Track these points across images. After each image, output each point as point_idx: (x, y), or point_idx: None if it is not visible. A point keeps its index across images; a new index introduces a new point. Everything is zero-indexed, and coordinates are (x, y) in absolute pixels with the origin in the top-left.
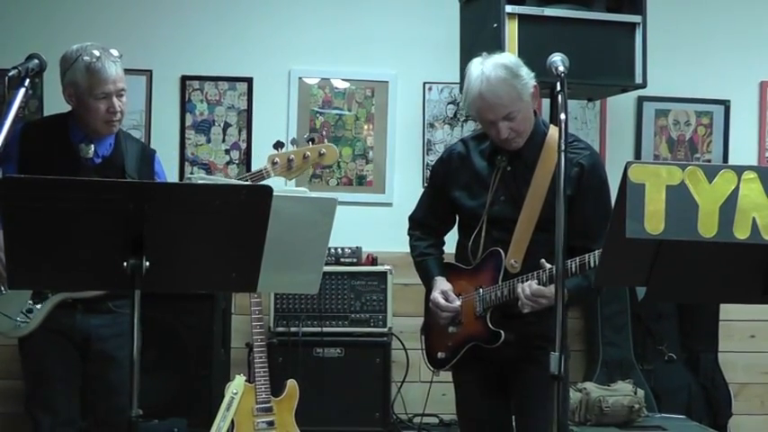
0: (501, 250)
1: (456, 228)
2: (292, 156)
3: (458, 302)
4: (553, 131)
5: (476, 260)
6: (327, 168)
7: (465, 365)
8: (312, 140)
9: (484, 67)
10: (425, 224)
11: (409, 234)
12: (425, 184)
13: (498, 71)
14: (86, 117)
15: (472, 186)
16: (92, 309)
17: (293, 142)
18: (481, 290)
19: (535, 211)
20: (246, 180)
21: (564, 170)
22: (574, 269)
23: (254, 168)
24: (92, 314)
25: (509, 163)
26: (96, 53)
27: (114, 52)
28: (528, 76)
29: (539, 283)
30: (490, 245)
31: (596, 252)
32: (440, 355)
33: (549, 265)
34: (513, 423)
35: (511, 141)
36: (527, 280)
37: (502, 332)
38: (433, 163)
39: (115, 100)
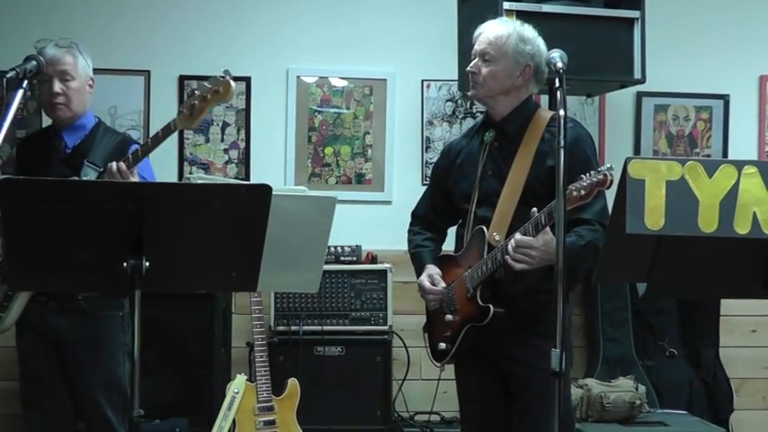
0: (483, 227)
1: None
2: (194, 101)
3: (443, 285)
4: (542, 111)
5: (465, 244)
6: (360, 155)
7: (466, 362)
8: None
9: (517, 21)
10: (426, 219)
11: (409, 230)
12: (426, 181)
13: (515, 25)
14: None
15: (463, 170)
16: (63, 308)
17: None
18: (469, 270)
19: (519, 184)
20: (157, 136)
21: (549, 146)
22: (543, 220)
23: (253, 166)
24: (63, 314)
25: (495, 138)
26: (46, 43)
27: (64, 41)
28: (531, 52)
29: (536, 229)
30: (477, 224)
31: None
32: (441, 346)
33: (536, 213)
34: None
35: (472, 81)
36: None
37: (490, 306)
38: (432, 160)
39: (56, 82)
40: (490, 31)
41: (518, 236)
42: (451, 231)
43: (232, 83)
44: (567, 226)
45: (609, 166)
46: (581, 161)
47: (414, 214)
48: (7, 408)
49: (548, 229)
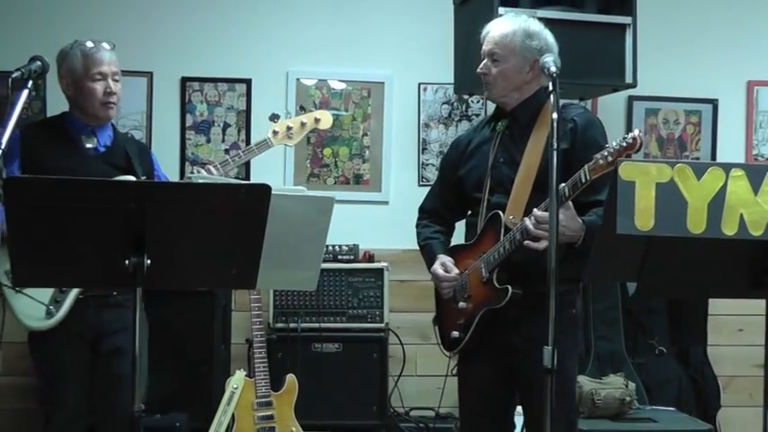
0: (500, 212)
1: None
2: (291, 124)
3: (456, 271)
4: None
5: (479, 231)
6: (358, 155)
7: (473, 354)
8: (303, 109)
9: (521, 16)
10: (434, 213)
11: (417, 224)
12: (423, 182)
13: (519, 21)
14: (84, 102)
15: (475, 158)
16: (101, 303)
17: (287, 115)
18: (484, 254)
19: (532, 170)
20: (251, 150)
21: (561, 129)
22: (566, 192)
23: (253, 166)
24: (102, 309)
25: (507, 126)
26: (89, 43)
27: (106, 45)
28: (538, 46)
29: (574, 189)
30: (491, 211)
31: (586, 168)
32: (453, 334)
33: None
34: (519, 418)
35: (484, 82)
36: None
37: (509, 287)
38: (429, 162)
39: (111, 81)
40: (496, 30)
41: (538, 212)
42: (459, 225)
43: (331, 117)
44: (582, 208)
45: (638, 130)
46: (591, 143)
47: (421, 209)
48: (13, 403)
49: (569, 203)
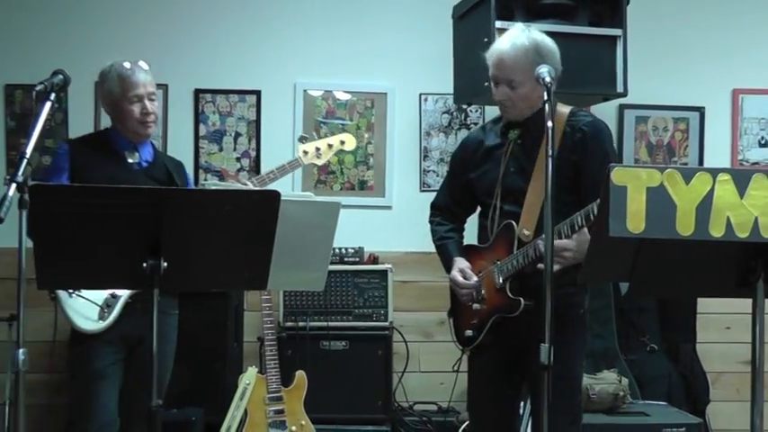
0: (512, 222)
1: (478, 214)
2: (319, 145)
3: (475, 279)
4: (561, 106)
5: (492, 236)
6: (347, 153)
7: (485, 348)
8: (303, 139)
9: (522, 31)
10: (446, 209)
11: (430, 220)
12: (424, 188)
13: (528, 42)
14: (124, 122)
15: (486, 163)
16: (146, 309)
17: (307, 138)
18: (498, 262)
19: (543, 182)
20: (284, 168)
21: (571, 140)
22: (579, 221)
23: (263, 172)
24: (145, 314)
25: (519, 136)
26: (127, 65)
27: (143, 64)
28: (550, 62)
29: (571, 231)
30: (503, 219)
31: (583, 214)
32: (467, 333)
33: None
34: (525, 414)
35: (503, 106)
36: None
37: (521, 299)
38: (430, 168)
39: (147, 102)
40: (509, 56)
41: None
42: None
43: (355, 140)
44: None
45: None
46: (600, 155)
47: (434, 205)
48: (38, 398)
49: (585, 229)
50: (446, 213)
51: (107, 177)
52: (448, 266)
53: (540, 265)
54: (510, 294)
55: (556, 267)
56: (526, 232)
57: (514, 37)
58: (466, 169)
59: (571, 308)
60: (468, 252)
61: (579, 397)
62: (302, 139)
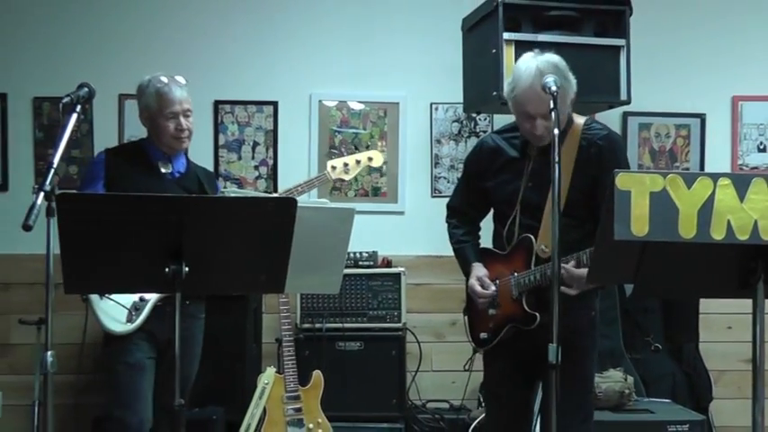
0: (531, 237)
1: (491, 215)
2: (347, 161)
3: (493, 288)
4: (577, 118)
5: (509, 246)
6: (376, 170)
7: (501, 346)
8: (332, 155)
9: (537, 62)
10: (461, 212)
11: (447, 222)
12: (435, 193)
13: (546, 66)
14: (159, 136)
15: (504, 176)
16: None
17: (335, 153)
18: (516, 274)
19: (562, 197)
20: (312, 182)
21: (587, 155)
22: (585, 260)
23: (280, 181)
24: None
25: (539, 152)
26: (164, 80)
27: (181, 79)
28: (573, 81)
29: (578, 265)
30: (522, 231)
31: (588, 252)
32: (482, 335)
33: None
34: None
35: (540, 137)
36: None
37: (537, 315)
38: (440, 175)
39: (182, 119)
40: (538, 89)
41: (574, 270)
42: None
43: (382, 157)
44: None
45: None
46: (618, 158)
47: (449, 207)
48: (66, 398)
49: None
50: (461, 216)
51: (141, 187)
52: (466, 270)
53: (563, 288)
54: (527, 308)
55: (574, 292)
56: (545, 249)
57: (529, 68)
58: (482, 176)
59: (583, 310)
60: (485, 256)
61: (591, 396)
62: (330, 155)
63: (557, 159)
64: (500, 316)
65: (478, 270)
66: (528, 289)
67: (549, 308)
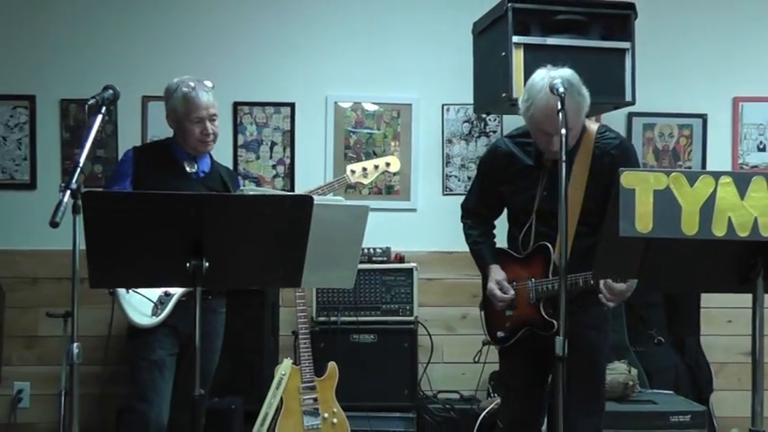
0: (549, 245)
1: (505, 216)
2: (366, 166)
3: (512, 292)
4: (589, 125)
5: (526, 251)
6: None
7: (517, 344)
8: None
9: (547, 75)
10: (476, 212)
11: (462, 221)
12: (447, 191)
13: (561, 83)
14: (185, 138)
15: (519, 183)
16: (202, 308)
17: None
18: (533, 280)
19: (577, 204)
20: (332, 185)
21: (600, 163)
22: (580, 283)
23: (297, 180)
24: (201, 313)
25: (554, 162)
26: (192, 84)
27: (207, 83)
28: (587, 96)
29: (586, 285)
30: (538, 238)
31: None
32: (499, 334)
33: None
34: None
35: (556, 153)
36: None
37: (555, 322)
38: (452, 174)
39: (208, 123)
40: (554, 105)
41: (612, 284)
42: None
43: (399, 162)
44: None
45: None
46: (630, 166)
47: (464, 207)
48: (91, 388)
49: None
50: (476, 216)
51: (167, 186)
52: (483, 271)
53: (604, 301)
54: (545, 315)
55: (612, 304)
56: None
57: (544, 86)
58: (496, 180)
59: (597, 306)
60: (502, 258)
61: (603, 389)
62: (350, 160)
63: (563, 158)
64: (517, 318)
65: (497, 273)
66: (546, 296)
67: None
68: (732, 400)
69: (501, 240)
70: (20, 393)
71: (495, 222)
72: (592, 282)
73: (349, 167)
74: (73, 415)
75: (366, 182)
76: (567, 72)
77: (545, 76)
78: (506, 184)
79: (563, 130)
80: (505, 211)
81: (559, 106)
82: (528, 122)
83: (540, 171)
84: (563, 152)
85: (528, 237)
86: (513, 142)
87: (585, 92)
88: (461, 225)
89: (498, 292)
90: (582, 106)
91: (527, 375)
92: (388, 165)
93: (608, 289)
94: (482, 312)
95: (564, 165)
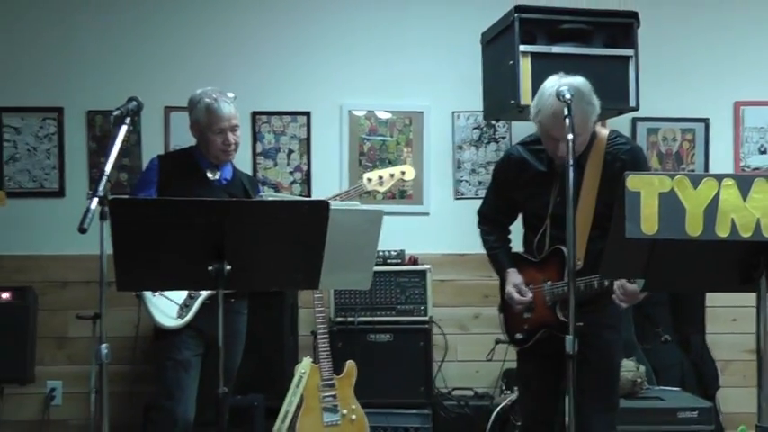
0: (564, 249)
1: (521, 220)
2: (382, 174)
3: (530, 295)
4: (600, 131)
5: (541, 255)
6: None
7: (536, 345)
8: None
9: (558, 82)
10: (492, 218)
11: (479, 227)
12: (458, 196)
13: (578, 92)
14: (207, 148)
15: (532, 188)
16: (224, 309)
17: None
18: (549, 283)
19: (589, 209)
20: (349, 192)
21: (611, 169)
22: (582, 287)
23: (313, 185)
24: (223, 314)
25: (565, 168)
26: (214, 96)
27: (229, 95)
28: (596, 104)
29: (600, 287)
30: (552, 243)
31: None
32: (518, 335)
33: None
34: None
35: (564, 159)
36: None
37: None
38: (462, 179)
39: (229, 134)
40: (560, 112)
41: (627, 285)
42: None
43: (414, 171)
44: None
45: None
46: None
47: (480, 213)
48: (120, 387)
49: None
50: (492, 222)
51: (190, 193)
52: (501, 275)
53: (618, 302)
54: (561, 317)
55: (625, 305)
56: (578, 261)
57: (554, 93)
58: (510, 187)
59: (611, 307)
60: (519, 262)
61: (617, 387)
62: (366, 169)
63: (571, 162)
64: (534, 320)
65: (515, 277)
66: (562, 299)
67: (582, 314)
68: (737, 396)
69: (517, 245)
70: (52, 392)
71: (511, 228)
72: (606, 283)
73: (366, 176)
74: (103, 412)
75: (382, 190)
76: (578, 80)
77: (555, 83)
78: (520, 191)
79: (569, 136)
80: (521, 216)
81: (566, 112)
82: (537, 128)
83: (553, 177)
84: (570, 157)
85: (543, 241)
86: (525, 149)
87: (596, 101)
88: (478, 231)
89: (516, 296)
90: (589, 114)
91: (544, 376)
92: (403, 173)
93: (621, 290)
94: (500, 315)
95: (571, 170)
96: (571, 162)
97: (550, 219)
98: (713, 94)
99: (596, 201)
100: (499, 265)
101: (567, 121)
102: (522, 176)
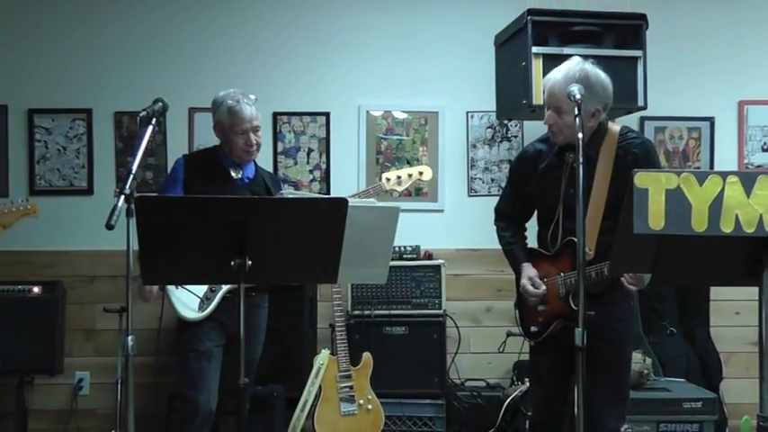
0: (575, 240)
1: (536, 217)
2: (400, 174)
3: (544, 288)
4: (612, 126)
5: (554, 248)
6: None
7: (549, 338)
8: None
9: (577, 63)
10: (508, 215)
11: (495, 224)
12: (472, 193)
13: (579, 74)
14: (230, 148)
15: (545, 182)
16: (246, 303)
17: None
18: (562, 274)
19: (600, 202)
20: (368, 191)
21: (623, 163)
22: (593, 276)
23: (332, 183)
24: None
25: (576, 159)
26: (236, 98)
27: (251, 96)
28: (597, 96)
29: (599, 275)
30: (565, 235)
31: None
32: (533, 328)
33: None
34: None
35: (551, 130)
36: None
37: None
38: (476, 177)
39: (251, 135)
40: (558, 85)
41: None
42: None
43: (431, 172)
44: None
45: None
46: (652, 166)
47: (497, 210)
48: (145, 377)
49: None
50: (508, 219)
51: (214, 191)
52: (516, 270)
53: (629, 286)
54: (574, 307)
55: (635, 288)
56: (588, 251)
57: (568, 68)
58: (524, 183)
59: (623, 300)
60: (533, 256)
61: (628, 378)
62: (384, 169)
63: (580, 161)
64: (549, 312)
65: (529, 270)
66: (574, 289)
67: (593, 301)
68: (740, 387)
69: (532, 243)
70: (80, 382)
71: (526, 225)
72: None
73: (384, 175)
74: (129, 401)
75: (400, 189)
76: (590, 70)
77: (579, 59)
78: (533, 186)
79: (579, 135)
80: (535, 215)
81: (576, 111)
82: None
83: (565, 170)
84: (579, 155)
85: (556, 234)
86: (539, 141)
87: (600, 91)
88: (495, 227)
89: (531, 288)
90: (587, 103)
91: (556, 369)
92: (420, 174)
93: (632, 274)
94: (516, 310)
95: (581, 167)
96: (581, 161)
97: (563, 211)
98: (718, 93)
99: (608, 192)
100: (515, 259)
101: (577, 120)
102: (536, 171)
